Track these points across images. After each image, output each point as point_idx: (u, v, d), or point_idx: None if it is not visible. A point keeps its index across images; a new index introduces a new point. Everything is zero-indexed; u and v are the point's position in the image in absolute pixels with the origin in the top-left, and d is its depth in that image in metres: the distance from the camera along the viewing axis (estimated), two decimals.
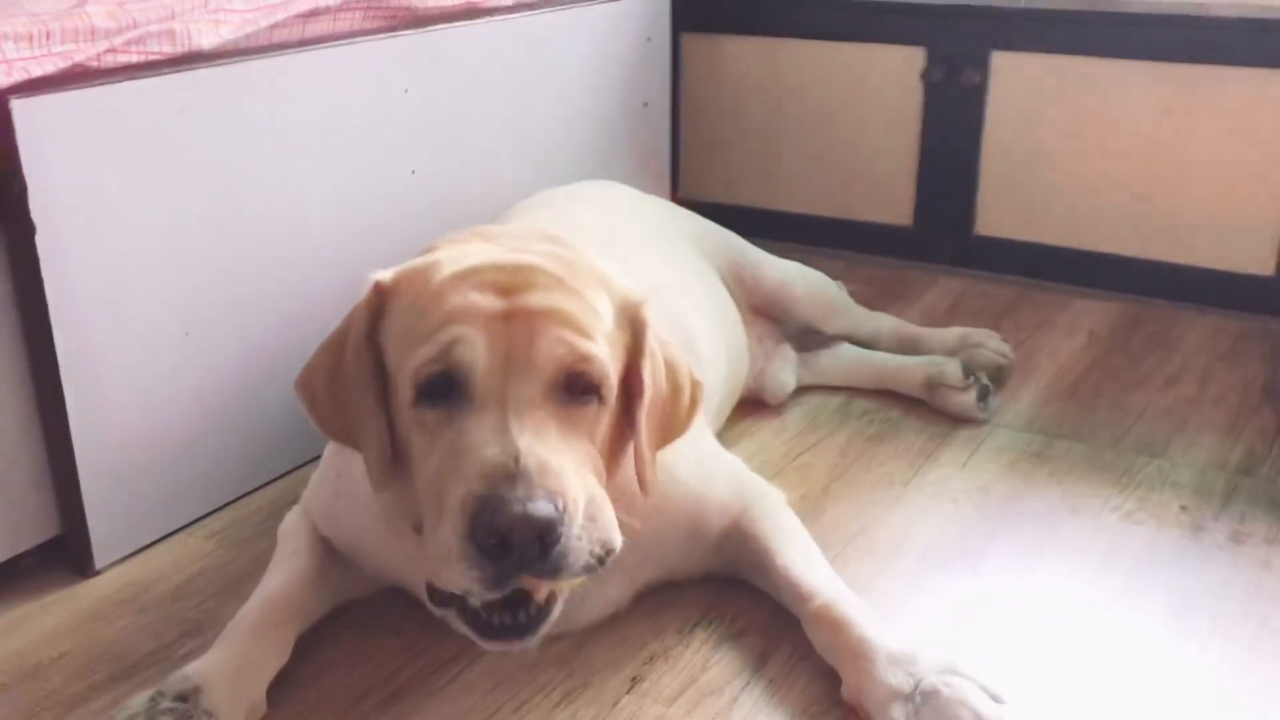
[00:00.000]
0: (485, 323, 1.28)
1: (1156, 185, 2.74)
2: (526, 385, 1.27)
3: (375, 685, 1.52)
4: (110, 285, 1.74)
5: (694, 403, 1.50)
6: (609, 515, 1.29)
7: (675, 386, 1.46)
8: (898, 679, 1.39)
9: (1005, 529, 1.86)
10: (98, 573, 1.79)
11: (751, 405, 2.24)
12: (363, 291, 1.40)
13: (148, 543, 1.86)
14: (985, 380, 2.22)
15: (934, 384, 2.24)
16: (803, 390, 2.33)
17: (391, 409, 1.36)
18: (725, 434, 2.11)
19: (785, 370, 2.30)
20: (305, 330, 2.06)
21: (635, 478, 1.42)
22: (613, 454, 1.40)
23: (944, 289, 2.87)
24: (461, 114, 2.34)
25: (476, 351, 1.26)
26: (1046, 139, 2.83)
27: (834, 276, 2.48)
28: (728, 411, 2.14)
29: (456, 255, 1.38)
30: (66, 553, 1.79)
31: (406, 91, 2.19)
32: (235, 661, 1.43)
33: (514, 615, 1.28)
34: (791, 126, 3.13)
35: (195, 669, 1.41)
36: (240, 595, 1.66)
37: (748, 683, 1.52)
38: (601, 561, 1.26)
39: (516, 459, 1.20)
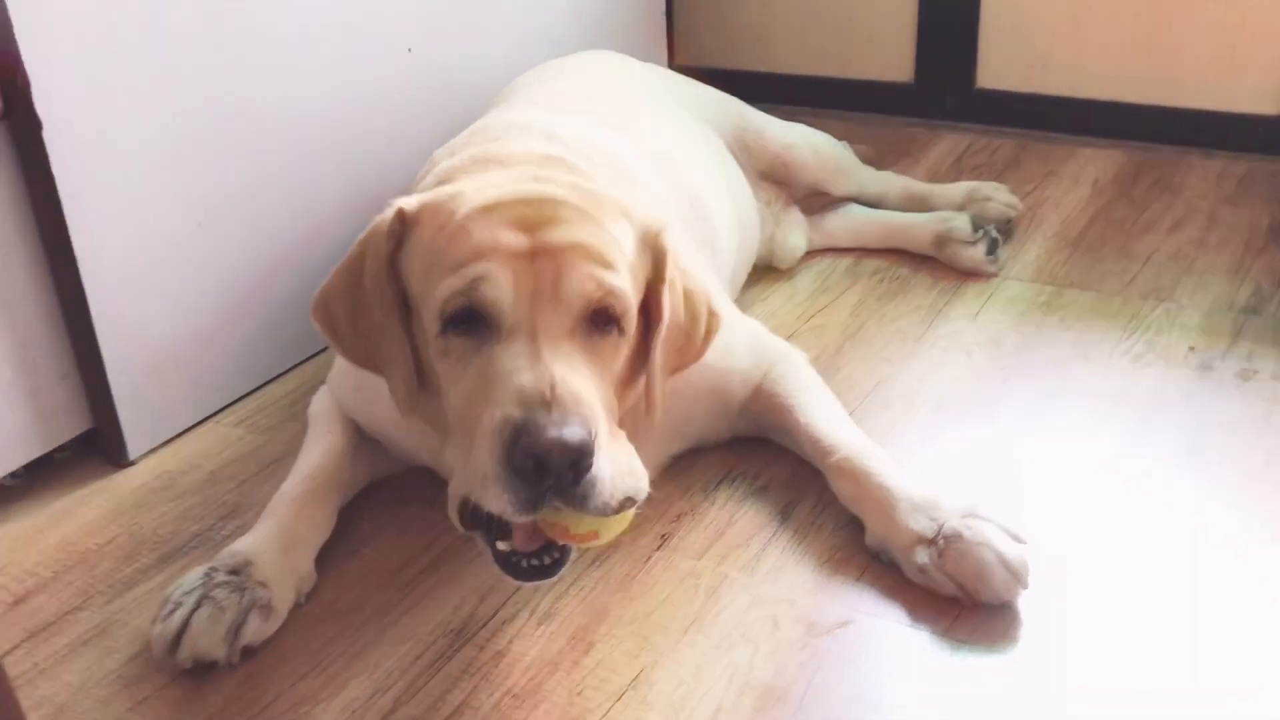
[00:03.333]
0: (510, 260, 1.27)
1: (1158, 29, 2.70)
2: (555, 318, 1.27)
3: (416, 554, 1.57)
4: (122, 180, 1.73)
5: (709, 332, 1.49)
6: (638, 466, 1.30)
7: (693, 315, 1.46)
8: (921, 524, 1.44)
9: (1018, 377, 1.90)
10: (132, 463, 1.83)
11: (762, 271, 2.26)
12: (384, 215, 1.37)
13: (178, 432, 1.90)
14: (994, 233, 2.23)
15: (943, 239, 2.25)
16: (812, 253, 2.34)
17: (415, 335, 1.36)
18: (738, 301, 2.13)
19: (795, 234, 2.30)
20: (313, 217, 2.07)
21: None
22: (627, 381, 1.40)
23: (948, 144, 2.86)
24: None
25: (502, 289, 1.26)
26: None
27: (837, 138, 2.47)
28: (743, 279, 2.15)
29: (479, 185, 1.37)
30: (100, 445, 1.83)
31: None
32: (282, 535, 1.48)
33: (540, 558, 1.30)
34: None
35: (244, 544, 1.46)
36: (273, 477, 1.71)
37: (774, 534, 1.57)
38: (631, 504, 1.28)
39: (552, 386, 1.21)
